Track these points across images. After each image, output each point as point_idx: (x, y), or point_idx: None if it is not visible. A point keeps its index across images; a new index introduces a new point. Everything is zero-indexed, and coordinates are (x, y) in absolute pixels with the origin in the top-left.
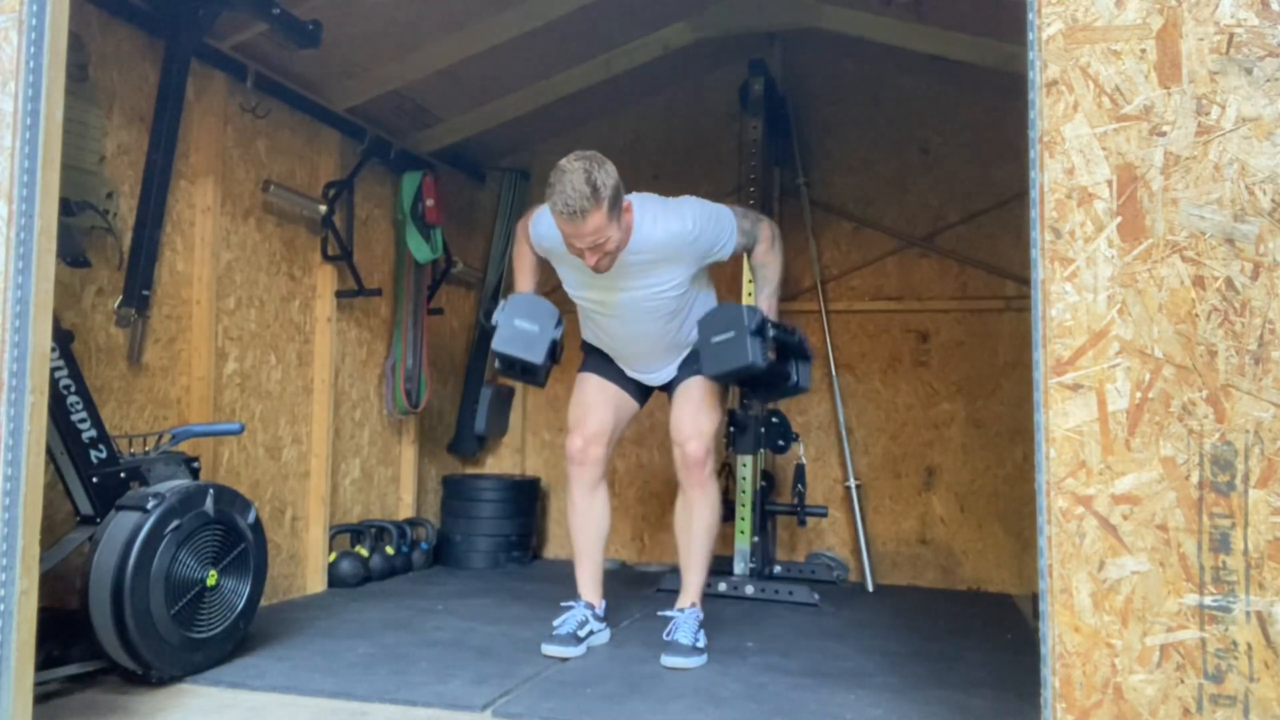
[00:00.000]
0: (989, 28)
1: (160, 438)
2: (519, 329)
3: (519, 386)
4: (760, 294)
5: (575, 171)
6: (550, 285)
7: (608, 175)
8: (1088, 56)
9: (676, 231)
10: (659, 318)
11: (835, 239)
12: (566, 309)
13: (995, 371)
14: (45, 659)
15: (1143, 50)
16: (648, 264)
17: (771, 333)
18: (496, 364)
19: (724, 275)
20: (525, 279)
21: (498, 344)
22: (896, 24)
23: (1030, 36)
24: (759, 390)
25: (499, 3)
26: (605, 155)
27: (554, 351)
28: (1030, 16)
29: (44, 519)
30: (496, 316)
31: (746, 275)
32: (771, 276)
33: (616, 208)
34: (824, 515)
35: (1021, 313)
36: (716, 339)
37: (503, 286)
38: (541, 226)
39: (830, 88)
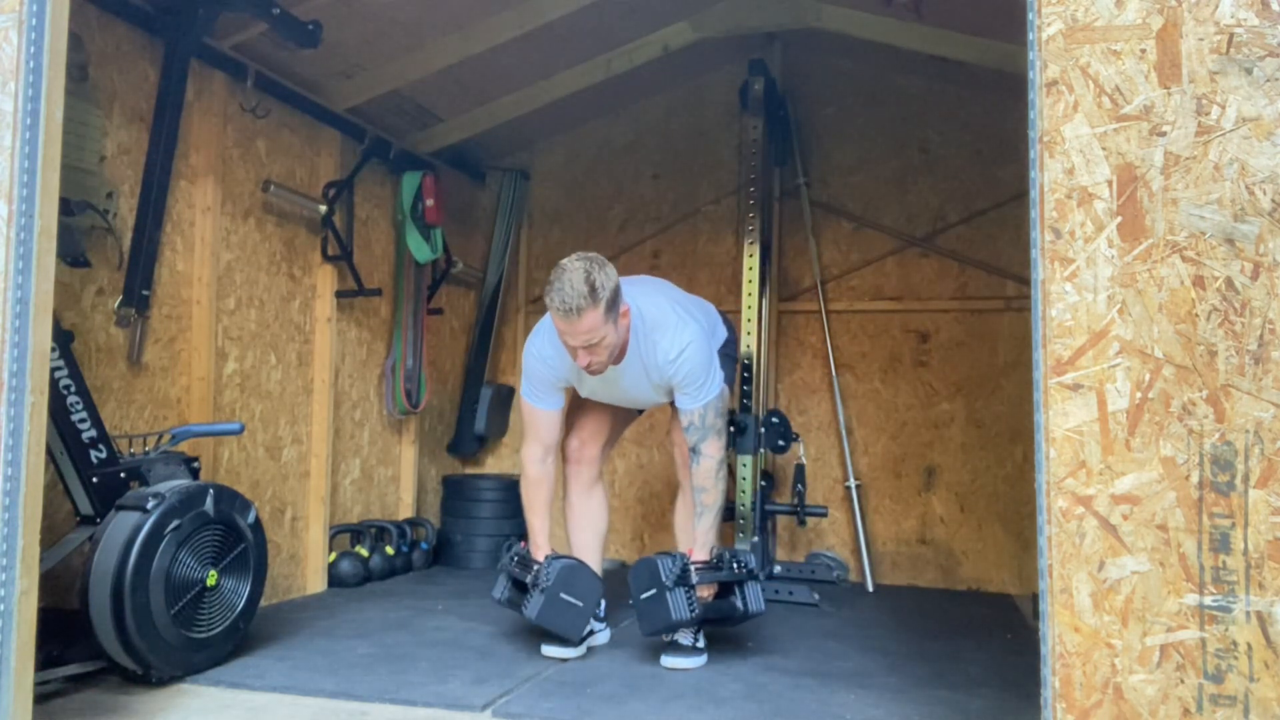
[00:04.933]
0: (989, 28)
1: (160, 438)
2: (563, 602)
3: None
4: (697, 524)
5: (575, 270)
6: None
7: (607, 278)
8: (1088, 56)
9: (663, 350)
10: (658, 398)
11: (835, 239)
12: None
13: (995, 371)
14: (45, 659)
15: (1143, 50)
16: (640, 369)
17: (696, 579)
18: (501, 601)
19: (724, 276)
20: (540, 522)
21: (539, 617)
22: (896, 24)
23: (1030, 36)
24: (713, 625)
25: (499, 3)
26: (605, 155)
27: None
28: (1030, 16)
29: (44, 519)
30: (544, 583)
31: (746, 275)
32: (709, 504)
33: (613, 310)
34: (824, 515)
35: (1021, 313)
36: (643, 596)
37: (502, 281)
38: (538, 339)
39: (830, 88)
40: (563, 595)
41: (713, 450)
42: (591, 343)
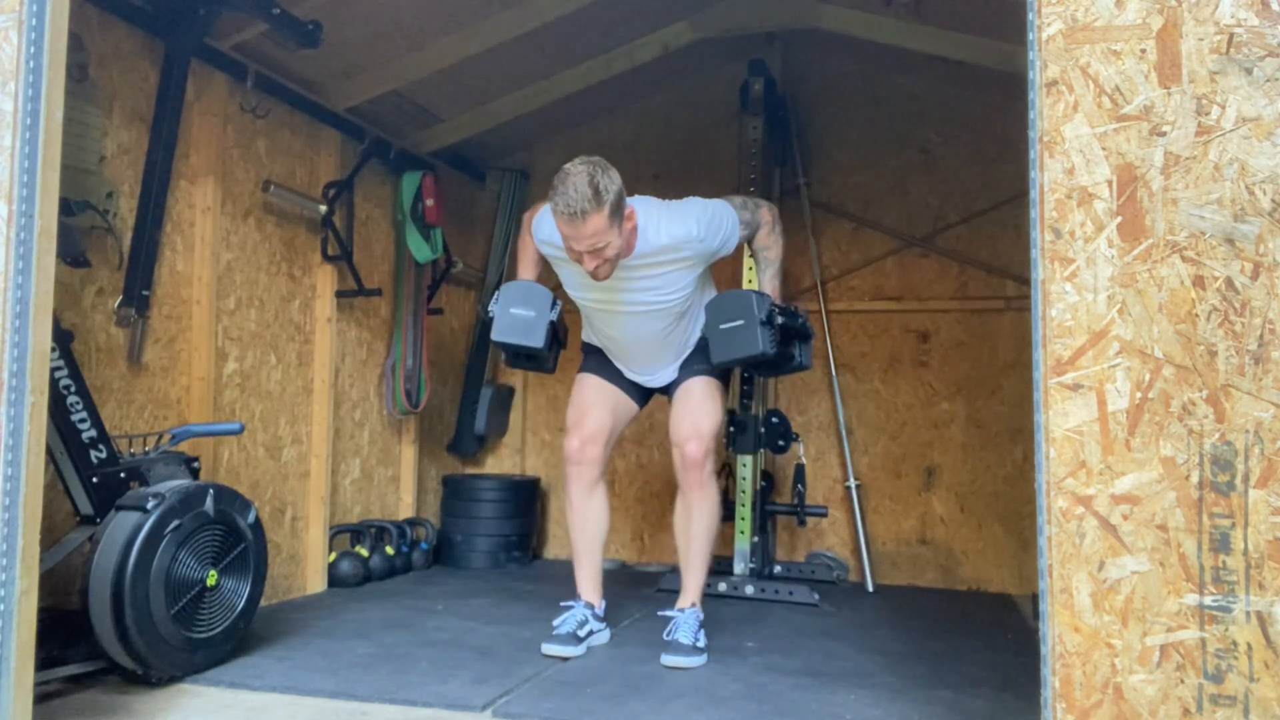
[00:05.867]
0: (989, 28)
1: (160, 438)
2: (515, 316)
3: (519, 385)
4: (763, 275)
5: (579, 174)
6: (554, 282)
7: (611, 180)
8: (1088, 56)
9: (681, 236)
10: (663, 321)
11: (835, 239)
12: (569, 309)
13: (995, 371)
14: (45, 659)
15: (1143, 50)
16: (652, 271)
17: (779, 320)
18: (504, 357)
19: (724, 275)
20: (526, 269)
21: (496, 334)
22: (896, 24)
23: (1030, 36)
24: (764, 370)
25: (499, 3)
26: (605, 155)
27: (556, 334)
28: (1030, 16)
29: (44, 519)
30: (492, 307)
31: (747, 264)
32: (774, 258)
33: (618, 214)
34: (824, 515)
35: (1021, 313)
36: (725, 325)
37: (504, 280)
38: (544, 227)
39: (830, 88)
40: (513, 310)
41: (763, 220)
42: (597, 247)
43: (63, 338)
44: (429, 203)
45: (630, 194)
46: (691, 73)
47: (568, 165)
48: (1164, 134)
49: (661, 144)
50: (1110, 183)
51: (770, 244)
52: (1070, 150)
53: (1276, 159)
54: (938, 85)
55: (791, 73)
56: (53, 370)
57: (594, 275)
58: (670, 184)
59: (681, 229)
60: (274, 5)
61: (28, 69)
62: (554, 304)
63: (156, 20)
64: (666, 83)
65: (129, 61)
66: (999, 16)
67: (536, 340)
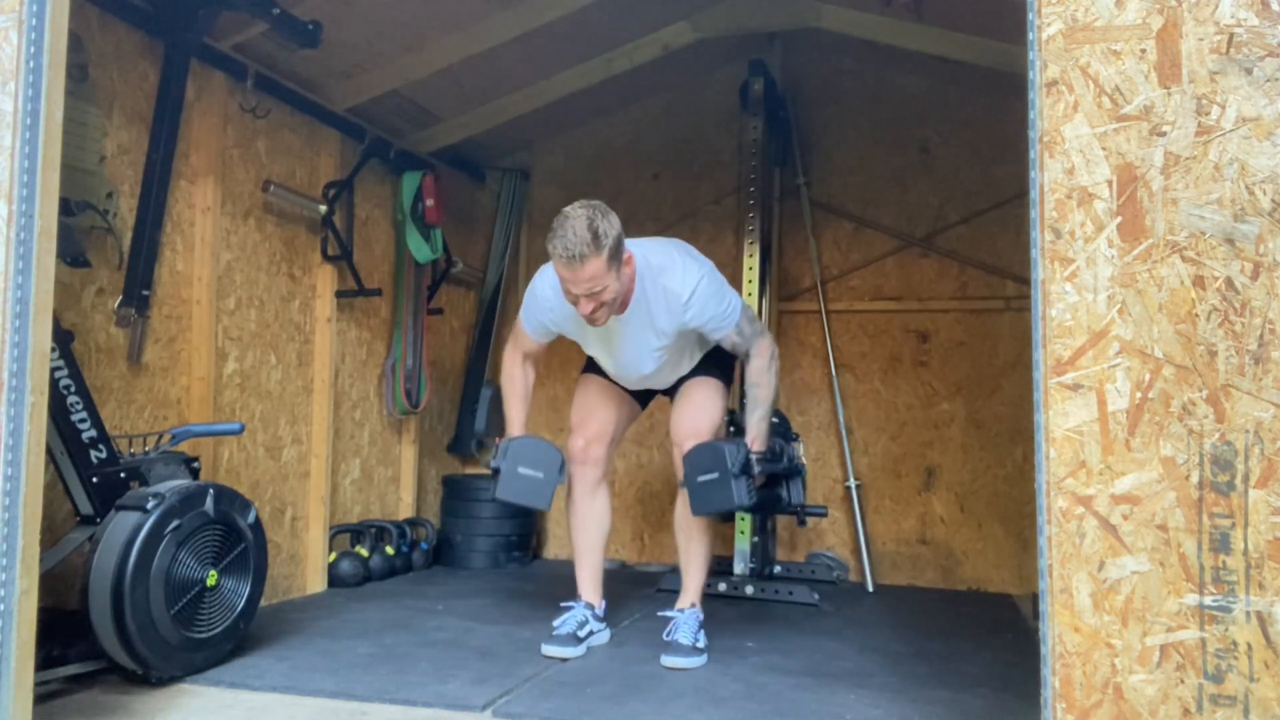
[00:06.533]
0: (989, 28)
1: (160, 438)
2: (523, 476)
3: None
4: (750, 416)
5: (578, 218)
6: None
7: (610, 225)
8: (1088, 56)
9: (674, 294)
10: (661, 362)
11: (835, 239)
12: None
13: (995, 371)
14: (45, 659)
15: (1143, 50)
16: (645, 320)
17: (757, 469)
18: (492, 495)
19: (724, 276)
20: (516, 413)
21: (502, 493)
22: (896, 24)
23: (1030, 36)
24: (755, 512)
25: (499, 3)
26: (605, 155)
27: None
28: (1030, 16)
29: (44, 519)
30: (498, 463)
31: (746, 275)
32: (763, 398)
33: (616, 259)
34: (824, 515)
35: (1021, 313)
36: (702, 479)
37: (503, 281)
38: (543, 281)
39: (830, 88)
40: (521, 469)
41: (760, 351)
42: (594, 291)
43: (63, 338)
44: (429, 203)
45: (631, 194)
46: (691, 73)
47: (567, 209)
48: (1164, 134)
49: (661, 144)
50: (1110, 183)
51: (761, 382)
52: (1070, 150)
53: (1276, 159)
54: (938, 85)
55: (791, 73)
56: (53, 370)
57: (590, 319)
58: (670, 184)
59: (676, 286)
60: (274, 5)
61: (28, 69)
62: (562, 467)
63: (156, 20)
64: (666, 83)
65: (129, 61)
66: (999, 16)
67: (543, 504)
